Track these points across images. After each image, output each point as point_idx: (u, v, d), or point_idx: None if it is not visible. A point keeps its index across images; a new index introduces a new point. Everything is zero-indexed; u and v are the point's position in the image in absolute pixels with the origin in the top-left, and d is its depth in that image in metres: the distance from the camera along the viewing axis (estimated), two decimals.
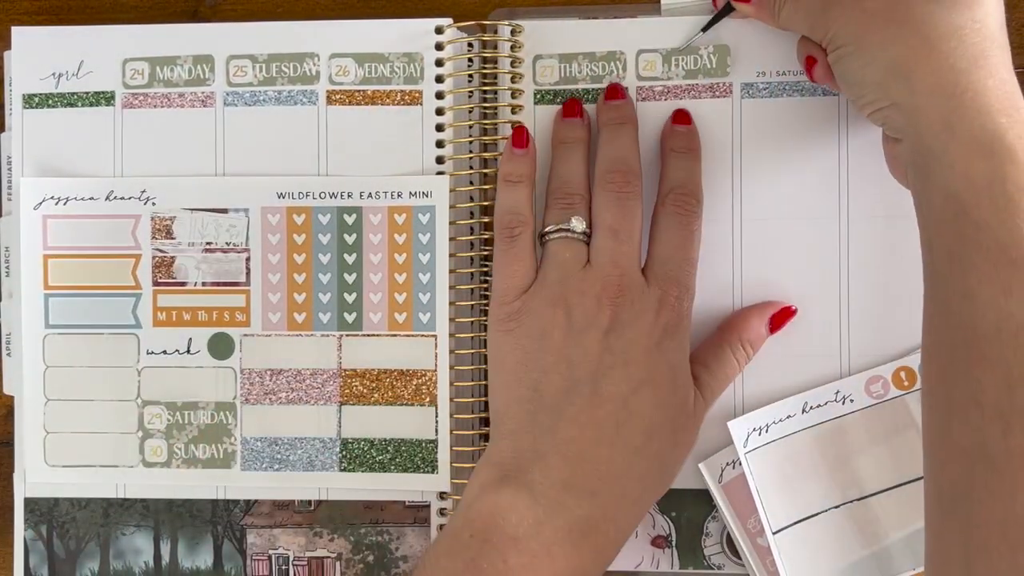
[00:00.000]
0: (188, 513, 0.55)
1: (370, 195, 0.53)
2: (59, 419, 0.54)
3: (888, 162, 0.49)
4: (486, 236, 0.54)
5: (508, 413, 0.48)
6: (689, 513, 0.53)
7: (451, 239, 0.53)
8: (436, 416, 0.53)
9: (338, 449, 0.54)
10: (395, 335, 0.53)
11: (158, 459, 0.54)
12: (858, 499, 0.51)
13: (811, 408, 0.52)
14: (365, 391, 0.54)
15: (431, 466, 0.53)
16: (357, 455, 0.53)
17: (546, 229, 0.50)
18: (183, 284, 0.54)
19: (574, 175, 0.51)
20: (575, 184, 0.51)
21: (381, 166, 0.54)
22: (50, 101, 0.55)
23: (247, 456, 0.54)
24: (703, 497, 0.53)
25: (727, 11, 0.52)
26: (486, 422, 0.53)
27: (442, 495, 0.53)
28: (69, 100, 0.55)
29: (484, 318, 0.53)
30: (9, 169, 0.55)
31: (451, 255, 0.53)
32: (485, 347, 0.53)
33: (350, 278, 0.53)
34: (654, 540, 0.53)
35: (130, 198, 0.54)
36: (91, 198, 0.54)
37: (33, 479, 0.55)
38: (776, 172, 0.53)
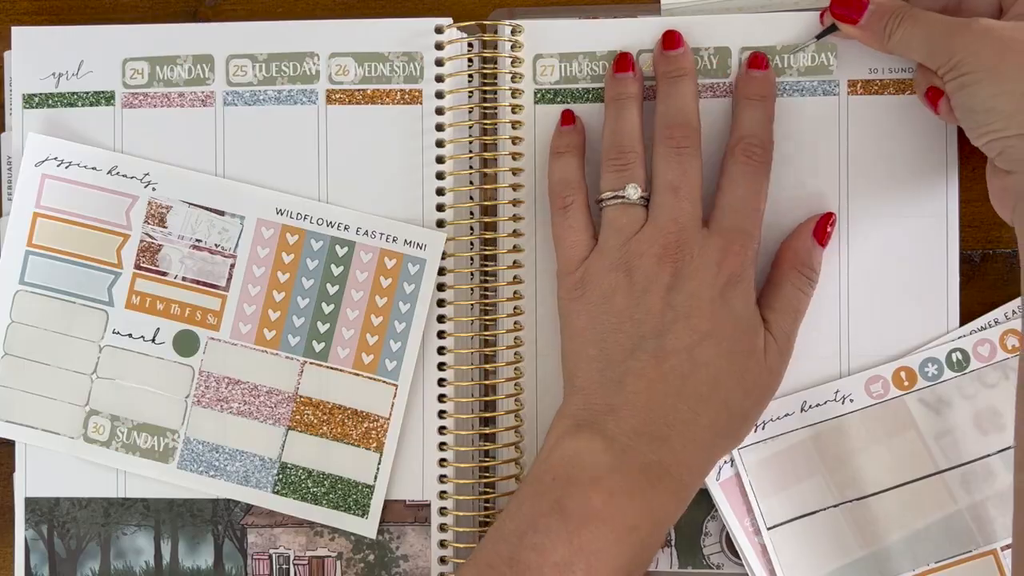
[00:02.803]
0: (189, 512, 0.55)
1: (366, 232, 0.53)
2: (12, 374, 0.54)
3: (993, 194, 0.48)
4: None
5: (578, 372, 0.49)
6: (688, 512, 0.53)
7: (450, 255, 0.53)
8: (379, 463, 0.53)
9: (276, 471, 0.54)
10: (358, 374, 0.54)
11: (99, 437, 0.54)
12: (857, 499, 0.51)
13: (810, 407, 0.52)
14: (315, 421, 0.54)
15: (362, 510, 0.54)
16: (293, 481, 0.54)
17: (601, 196, 0.50)
18: (164, 274, 0.54)
19: (627, 134, 0.50)
20: (628, 143, 0.50)
21: (381, 167, 0.54)
22: (50, 101, 0.55)
23: (186, 455, 0.54)
24: (702, 496, 0.53)
25: (831, 30, 0.51)
26: (484, 438, 0.53)
27: (442, 494, 0.54)
28: (69, 100, 0.55)
29: (484, 333, 0.53)
30: (9, 169, 0.55)
31: (449, 270, 0.53)
32: (483, 361, 0.54)
33: (327, 308, 0.53)
34: None
35: (132, 178, 0.54)
36: (93, 168, 0.54)
37: None
38: (776, 172, 0.53)
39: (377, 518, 0.54)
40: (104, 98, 0.55)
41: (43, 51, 0.55)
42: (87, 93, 0.55)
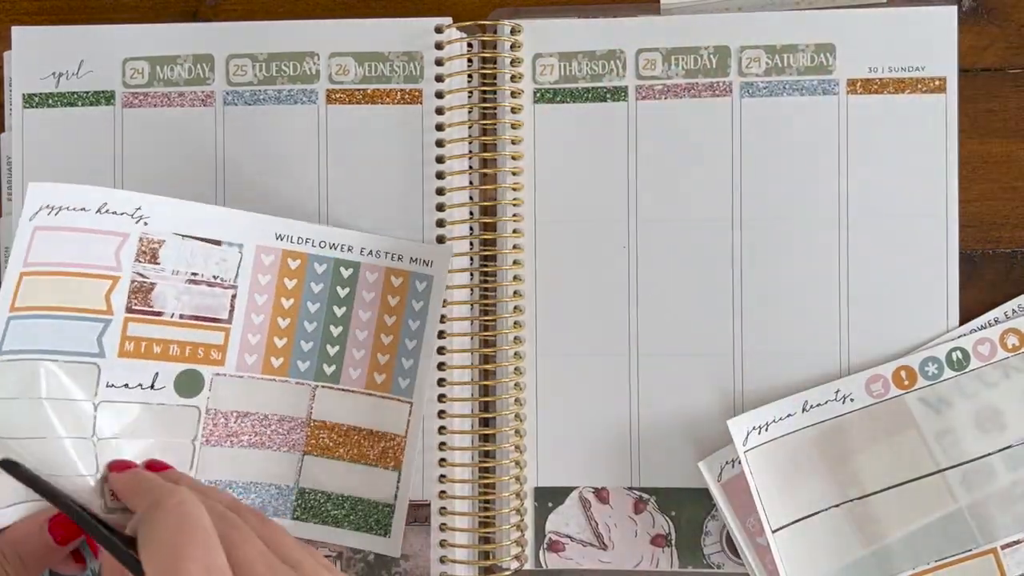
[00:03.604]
0: None
1: (370, 252, 0.53)
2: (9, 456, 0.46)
3: None
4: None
5: None
6: (689, 512, 0.53)
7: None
8: (398, 481, 0.53)
9: (294, 497, 0.53)
10: (371, 394, 0.53)
11: (114, 502, 0.47)
12: (858, 498, 0.51)
13: (811, 407, 0.52)
14: (331, 444, 0.53)
15: (384, 529, 0.53)
16: (312, 506, 0.53)
17: None
18: (159, 314, 0.50)
19: None
20: None
21: (381, 167, 0.54)
22: (50, 101, 0.55)
23: None
24: (703, 496, 0.53)
25: None
26: (485, 437, 0.54)
27: (442, 494, 0.53)
28: (69, 100, 0.55)
29: (484, 333, 0.53)
30: (9, 169, 0.55)
31: (451, 270, 0.53)
32: (483, 361, 0.54)
33: (336, 330, 0.53)
34: (654, 539, 0.53)
35: (122, 214, 0.49)
36: (83, 209, 0.48)
37: None
38: (776, 172, 0.53)
39: (400, 536, 0.53)
40: (104, 98, 0.55)
41: (43, 51, 0.55)
42: (87, 93, 0.55)
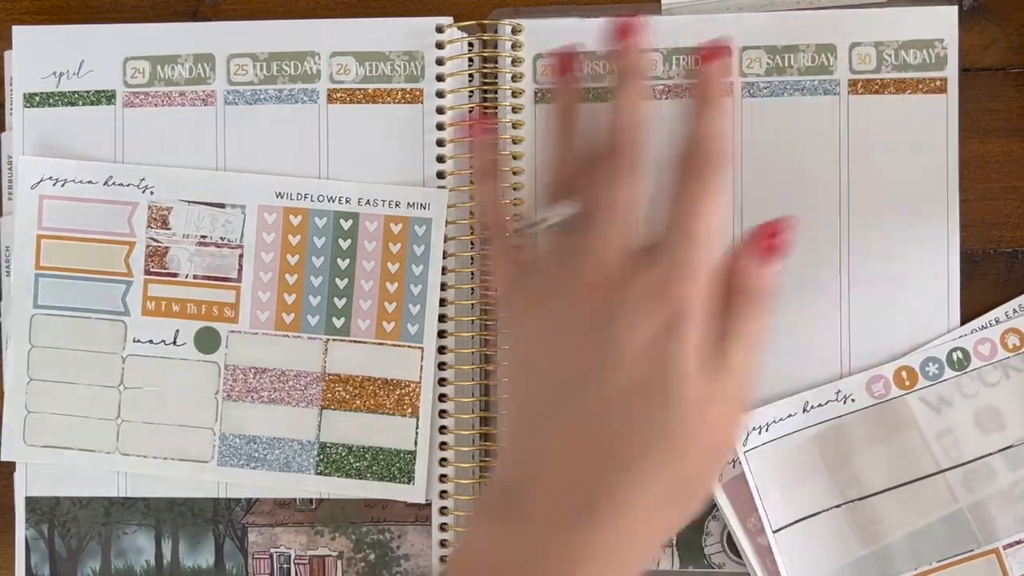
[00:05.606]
0: (189, 512, 0.55)
1: (368, 202, 0.53)
2: (40, 399, 0.55)
3: None
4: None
5: (501, 432, 0.47)
6: None
7: (450, 254, 0.53)
8: (417, 428, 0.53)
9: (315, 452, 0.54)
10: (382, 343, 0.54)
11: (135, 448, 0.54)
12: (859, 499, 0.51)
13: (812, 407, 0.52)
14: (347, 397, 0.54)
15: (407, 477, 0.53)
16: (334, 460, 0.54)
17: (526, 223, 0.47)
18: (175, 275, 0.54)
19: (557, 152, 0.49)
20: (556, 163, 0.48)
21: (381, 166, 0.54)
22: (51, 100, 0.55)
23: (224, 452, 0.54)
24: None
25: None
26: (484, 437, 0.54)
27: (442, 494, 0.54)
28: (70, 99, 0.55)
29: (484, 332, 0.53)
30: (9, 169, 0.55)
31: (450, 270, 0.53)
32: (483, 361, 0.53)
33: (341, 283, 0.54)
34: None
35: (128, 185, 0.54)
36: (89, 182, 0.54)
37: (8, 456, 0.55)
38: (776, 172, 0.53)
39: (424, 483, 0.53)
40: (105, 97, 0.55)
41: (44, 50, 0.55)
42: (88, 92, 0.55)
